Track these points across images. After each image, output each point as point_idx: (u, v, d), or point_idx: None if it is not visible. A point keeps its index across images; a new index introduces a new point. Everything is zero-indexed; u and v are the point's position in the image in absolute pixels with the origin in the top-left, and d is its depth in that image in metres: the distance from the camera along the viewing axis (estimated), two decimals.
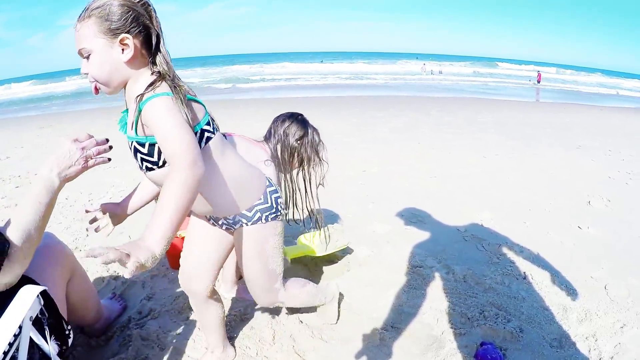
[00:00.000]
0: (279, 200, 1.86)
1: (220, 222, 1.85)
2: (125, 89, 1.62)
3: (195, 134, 1.55)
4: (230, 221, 1.82)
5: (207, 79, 29.29)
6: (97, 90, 1.59)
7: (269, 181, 1.85)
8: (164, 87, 1.49)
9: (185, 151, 1.37)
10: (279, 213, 1.85)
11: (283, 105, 13.65)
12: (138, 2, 1.54)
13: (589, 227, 3.85)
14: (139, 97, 1.48)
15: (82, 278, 2.18)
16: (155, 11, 1.60)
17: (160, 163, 1.54)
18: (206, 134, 1.62)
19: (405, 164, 6.07)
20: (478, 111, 12.01)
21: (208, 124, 1.63)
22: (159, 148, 1.51)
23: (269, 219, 1.81)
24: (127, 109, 1.66)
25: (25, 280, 1.63)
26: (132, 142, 1.57)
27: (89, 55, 1.52)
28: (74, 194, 4.87)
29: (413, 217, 4.02)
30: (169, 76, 1.55)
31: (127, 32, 1.50)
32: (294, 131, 2.45)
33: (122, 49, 1.51)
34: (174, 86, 1.51)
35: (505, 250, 3.33)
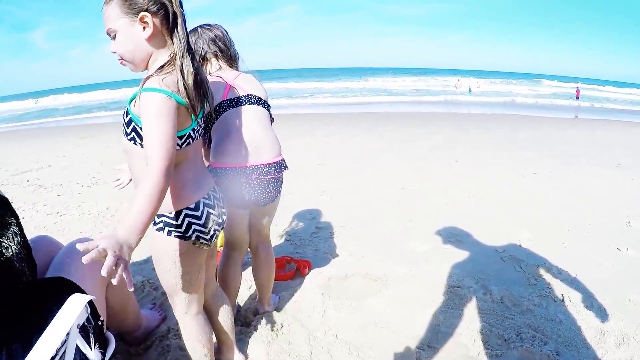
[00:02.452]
0: (196, 227, 1.75)
1: None
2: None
3: (180, 137, 1.63)
4: None
5: None
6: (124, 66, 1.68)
7: (197, 205, 1.75)
8: (169, 80, 1.55)
9: (161, 159, 1.45)
10: (188, 237, 1.74)
11: (319, 120, 13.82)
12: None
13: (629, 248, 3.79)
14: (144, 82, 1.55)
15: (122, 283, 2.25)
16: None
17: (128, 138, 1.64)
18: (188, 140, 1.68)
19: (444, 182, 6.05)
20: (516, 128, 11.87)
21: (183, 137, 1.66)
22: (134, 127, 1.61)
23: (172, 235, 1.73)
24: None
25: (67, 284, 1.72)
26: (126, 107, 1.66)
27: (115, 34, 1.61)
28: (114, 204, 5.07)
29: (451, 236, 4.03)
30: (179, 60, 1.60)
31: (146, 10, 1.57)
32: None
33: (143, 27, 1.59)
34: (182, 74, 1.58)
35: (543, 271, 3.31)
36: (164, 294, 3.02)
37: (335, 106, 20.63)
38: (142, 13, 1.56)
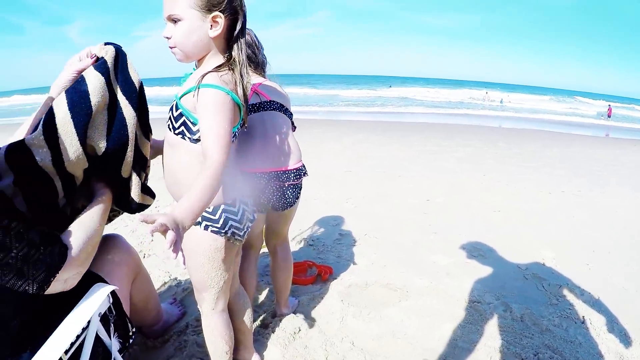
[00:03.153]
0: (232, 223, 1.78)
1: None
2: (197, 61, 1.73)
3: None
4: None
5: None
6: (175, 55, 1.67)
7: (234, 201, 1.80)
8: (227, 78, 1.60)
9: (220, 153, 1.49)
10: (224, 233, 1.77)
11: (347, 127, 13.84)
12: None
13: None
14: (203, 76, 1.58)
15: (146, 280, 2.28)
16: (244, 1, 1.69)
17: (176, 132, 1.67)
18: (234, 138, 1.71)
19: (470, 196, 6.01)
20: (545, 144, 11.72)
21: (234, 132, 1.70)
22: (184, 121, 1.64)
23: (209, 230, 1.75)
24: (192, 72, 1.77)
25: (95, 277, 1.74)
26: (175, 101, 1.69)
27: (178, 21, 1.60)
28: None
29: (475, 250, 4.00)
30: (238, 66, 1.65)
31: (221, 11, 1.59)
32: None
33: (212, 25, 1.60)
34: (241, 79, 1.63)
35: (565, 291, 3.27)
36: (184, 289, 3.09)
37: (364, 114, 20.64)
38: (217, 13, 1.58)
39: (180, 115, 1.65)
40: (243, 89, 1.64)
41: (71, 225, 1.52)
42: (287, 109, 2.44)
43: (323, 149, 9.00)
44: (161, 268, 3.45)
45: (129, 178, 1.79)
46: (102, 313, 1.67)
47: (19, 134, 1.69)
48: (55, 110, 1.51)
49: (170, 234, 1.27)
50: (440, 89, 48.09)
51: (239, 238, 1.82)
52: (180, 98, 1.67)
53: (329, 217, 4.83)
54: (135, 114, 1.68)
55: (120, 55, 1.69)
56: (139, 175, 1.83)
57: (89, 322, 1.53)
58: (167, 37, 1.65)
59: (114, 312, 1.76)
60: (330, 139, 10.58)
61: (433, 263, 3.72)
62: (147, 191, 1.93)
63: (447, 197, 5.86)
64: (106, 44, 1.69)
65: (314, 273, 3.39)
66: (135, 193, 1.83)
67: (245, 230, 1.84)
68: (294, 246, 3.99)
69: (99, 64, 1.62)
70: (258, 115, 2.30)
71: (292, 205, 2.43)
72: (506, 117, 22.51)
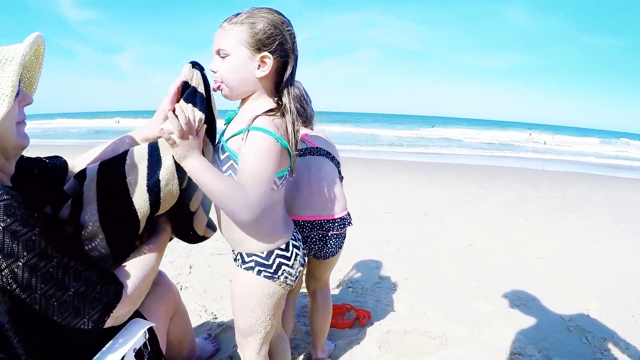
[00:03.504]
0: (285, 268, 1.74)
1: (232, 251, 1.84)
2: (242, 101, 1.71)
3: (279, 178, 1.65)
4: (234, 256, 1.82)
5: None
6: (219, 88, 1.65)
7: (287, 245, 1.76)
8: (277, 123, 1.56)
9: (256, 195, 1.47)
10: (276, 278, 1.73)
11: (390, 167, 13.83)
12: (288, 30, 1.61)
13: None
14: (254, 118, 1.55)
15: (184, 317, 2.29)
16: (297, 45, 1.66)
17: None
18: (284, 180, 1.69)
19: (512, 241, 5.92)
20: (590, 188, 11.42)
21: (282, 178, 1.67)
22: (231, 165, 1.61)
23: (262, 275, 1.72)
24: (236, 111, 1.75)
25: (134, 314, 1.72)
26: (220, 143, 1.67)
27: (226, 56, 1.59)
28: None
29: (517, 299, 3.93)
30: (289, 113, 1.61)
31: (271, 52, 1.57)
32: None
33: (259, 65, 1.58)
34: (292, 125, 1.59)
35: (610, 345, 3.17)
36: (220, 325, 3.14)
37: (406, 154, 20.60)
38: (266, 53, 1.57)
39: (228, 158, 1.62)
40: (294, 136, 1.61)
41: (129, 261, 1.55)
42: (334, 157, 2.43)
43: (364, 188, 9.03)
44: (197, 302, 3.51)
45: (195, 212, 1.80)
46: (138, 348, 1.67)
47: (88, 157, 1.78)
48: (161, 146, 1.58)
49: (174, 138, 1.44)
50: (483, 130, 47.68)
51: (290, 283, 1.79)
52: (226, 141, 1.65)
53: (369, 259, 4.84)
54: (212, 149, 1.69)
55: (207, 86, 1.67)
56: (205, 209, 1.85)
57: (123, 357, 1.54)
58: (213, 71, 1.65)
59: (149, 348, 1.76)
60: (372, 179, 10.61)
61: (474, 311, 3.67)
62: (209, 225, 1.94)
63: (489, 242, 5.79)
64: (193, 65, 1.66)
65: (352, 317, 3.39)
66: (199, 227, 1.85)
67: (297, 275, 1.81)
68: (332, 287, 3.99)
69: (188, 94, 1.61)
70: (303, 161, 2.30)
71: (334, 255, 2.39)
72: (549, 159, 22.09)
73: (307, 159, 2.33)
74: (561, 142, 38.08)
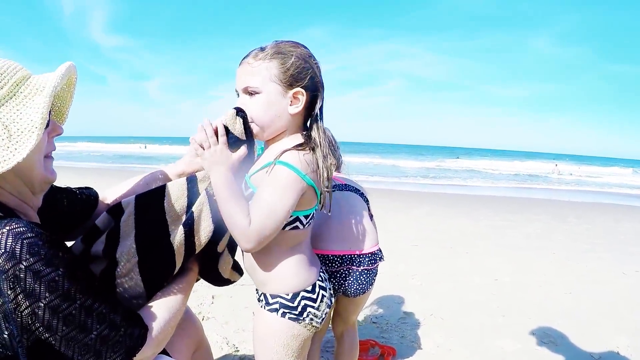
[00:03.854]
0: (311, 310, 1.65)
1: (256, 291, 1.79)
2: (266, 141, 1.65)
3: (306, 216, 1.60)
4: (257, 295, 1.76)
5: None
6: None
7: (314, 287, 1.68)
8: (307, 159, 1.49)
9: (263, 228, 1.42)
10: (301, 319, 1.64)
11: (413, 198, 13.73)
12: (315, 63, 1.56)
13: None
14: (281, 153, 1.49)
15: (206, 352, 2.20)
16: (322, 78, 1.60)
17: None
18: (297, 223, 1.59)
19: (539, 275, 5.79)
20: (618, 220, 11.17)
21: (308, 217, 1.61)
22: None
23: (286, 317, 1.63)
24: (262, 147, 1.72)
25: None
26: (244, 180, 1.62)
27: (255, 94, 1.52)
28: None
29: (545, 336, 3.83)
30: (320, 147, 1.53)
31: (303, 87, 1.51)
32: None
33: (292, 102, 1.53)
34: (324, 161, 1.51)
35: None
36: (242, 359, 3.11)
37: (431, 185, 20.49)
38: (299, 89, 1.52)
39: (252, 195, 1.55)
40: (327, 171, 1.53)
41: (156, 302, 1.50)
42: (362, 193, 2.39)
43: (388, 220, 8.95)
44: (219, 333, 3.50)
45: (222, 253, 1.75)
46: None
47: (120, 190, 1.77)
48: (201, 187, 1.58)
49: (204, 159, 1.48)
50: (508, 161, 47.30)
51: (316, 325, 1.69)
52: (250, 176, 1.60)
53: (394, 294, 4.77)
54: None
55: (249, 134, 1.62)
56: (231, 251, 1.81)
57: None
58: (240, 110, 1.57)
59: None
60: (396, 210, 10.54)
61: (500, 349, 3.58)
62: (236, 268, 1.91)
63: (515, 277, 5.67)
64: (238, 112, 1.58)
65: (377, 353, 3.34)
66: (224, 269, 1.81)
67: (323, 317, 1.71)
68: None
69: (231, 143, 1.56)
70: (335, 195, 2.22)
71: (364, 292, 2.28)
72: (576, 190, 21.75)
73: (336, 194, 2.27)
74: (588, 172, 37.54)
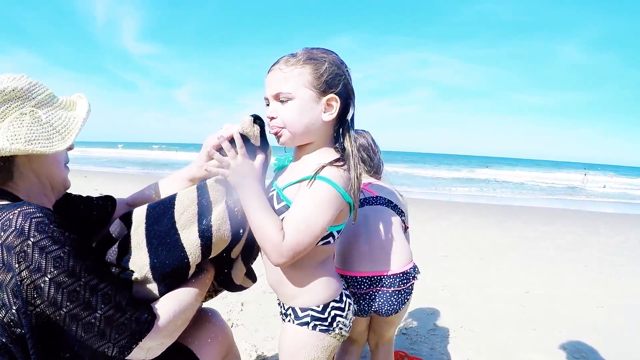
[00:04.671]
0: (340, 319, 1.63)
1: (280, 305, 1.77)
2: (297, 148, 1.62)
3: (338, 231, 1.57)
4: (284, 310, 1.72)
5: None
6: (277, 134, 1.55)
7: (341, 296, 1.66)
8: (346, 176, 1.46)
9: (293, 247, 1.39)
10: (331, 330, 1.61)
11: (443, 208, 13.57)
12: (346, 69, 1.53)
13: None
14: (321, 167, 1.45)
15: (236, 359, 2.19)
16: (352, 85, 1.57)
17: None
18: (329, 238, 1.56)
19: (570, 288, 5.65)
20: None
21: (340, 231, 1.58)
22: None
23: (317, 329, 1.60)
24: (289, 158, 1.68)
25: (185, 351, 1.69)
26: (274, 190, 1.58)
27: (287, 100, 1.47)
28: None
29: (576, 351, 3.73)
30: (351, 158, 1.50)
31: (337, 94, 1.47)
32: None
33: (325, 108, 1.49)
34: (355, 171, 1.48)
35: None
36: None
37: (460, 195, 20.26)
38: (333, 95, 1.48)
39: (284, 208, 1.50)
40: (356, 182, 1.49)
41: (166, 295, 1.50)
42: (396, 205, 2.29)
43: (418, 230, 8.81)
44: (248, 341, 3.50)
45: (236, 259, 1.74)
46: None
47: (137, 197, 1.82)
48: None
49: (227, 171, 1.46)
50: (538, 171, 46.49)
51: (344, 334, 1.67)
52: (283, 189, 1.55)
53: (424, 305, 4.71)
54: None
55: (263, 138, 1.62)
56: (245, 258, 1.78)
57: None
58: (271, 117, 1.53)
59: None
60: (425, 220, 10.41)
61: None
62: (249, 274, 1.89)
63: (546, 289, 5.55)
64: (255, 120, 1.59)
65: None
66: (237, 275, 1.79)
67: (350, 325, 1.70)
68: None
69: (249, 151, 1.56)
70: (360, 212, 2.15)
71: (397, 312, 2.17)
72: (608, 201, 21.22)
73: (365, 210, 2.20)
74: (619, 182, 36.57)
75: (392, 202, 2.28)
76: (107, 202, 1.80)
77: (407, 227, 2.36)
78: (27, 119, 1.30)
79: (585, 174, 40.13)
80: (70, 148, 1.49)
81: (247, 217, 1.49)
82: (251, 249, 1.77)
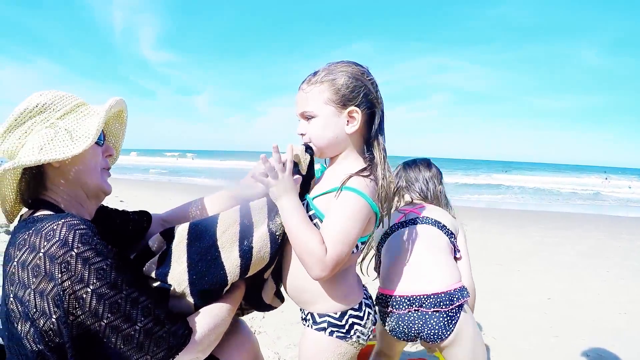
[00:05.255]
0: (358, 327, 1.63)
1: (301, 310, 1.76)
2: (330, 159, 1.66)
3: (363, 242, 1.58)
4: (304, 315, 1.73)
5: None
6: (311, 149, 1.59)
7: (360, 305, 1.66)
8: (372, 186, 1.49)
9: (337, 254, 1.41)
10: (349, 337, 1.62)
11: (461, 214, 13.39)
12: (369, 80, 1.55)
13: None
14: (348, 178, 1.48)
15: None
16: (380, 93, 1.58)
17: None
18: (364, 245, 1.60)
19: (593, 294, 5.58)
20: None
21: (364, 242, 1.60)
22: (316, 223, 1.53)
23: (334, 335, 1.60)
24: (324, 167, 1.71)
25: None
26: (305, 200, 1.60)
27: (311, 118, 1.54)
28: None
29: (599, 358, 3.69)
30: (380, 165, 1.53)
31: (357, 106, 1.50)
32: None
33: (348, 121, 1.52)
34: (383, 178, 1.51)
35: None
36: None
37: (479, 201, 20.09)
38: (353, 107, 1.51)
39: (313, 216, 1.55)
40: (386, 190, 1.52)
41: (201, 309, 1.51)
42: (444, 225, 2.19)
43: None
44: (271, 348, 3.52)
45: (267, 279, 1.75)
46: None
47: (175, 213, 1.83)
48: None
49: (268, 182, 1.47)
50: (557, 176, 45.90)
51: (362, 342, 1.67)
52: (313, 199, 1.59)
53: None
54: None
55: (311, 167, 1.65)
56: (275, 277, 1.79)
57: None
58: (301, 134, 1.60)
59: None
60: None
61: None
62: (278, 294, 1.89)
63: (568, 296, 5.49)
64: (306, 149, 1.62)
65: None
66: (268, 294, 1.80)
67: (369, 334, 1.69)
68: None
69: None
70: (405, 230, 2.13)
71: (440, 339, 1.95)
72: (628, 205, 20.87)
73: (409, 229, 2.13)
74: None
75: (440, 222, 2.20)
76: (142, 218, 1.81)
77: (459, 250, 2.23)
78: (48, 130, 1.35)
79: (606, 178, 39.51)
80: (109, 155, 1.56)
81: (288, 230, 1.51)
82: (282, 269, 1.79)
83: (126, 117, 1.65)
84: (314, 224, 1.52)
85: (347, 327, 1.63)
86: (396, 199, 2.26)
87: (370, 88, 1.54)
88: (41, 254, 1.19)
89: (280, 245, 1.60)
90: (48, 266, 1.18)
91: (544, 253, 8.03)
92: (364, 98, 1.52)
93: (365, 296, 1.73)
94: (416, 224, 2.16)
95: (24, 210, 1.46)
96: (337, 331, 1.62)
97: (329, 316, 1.63)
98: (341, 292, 1.63)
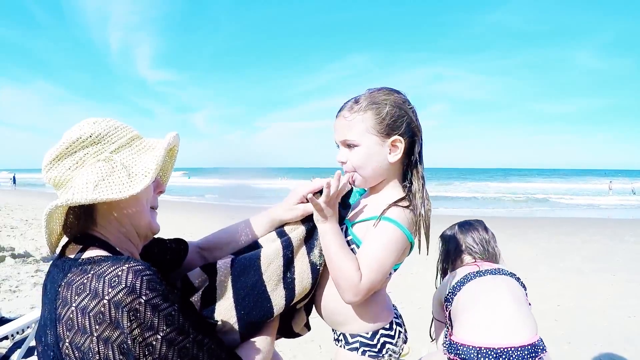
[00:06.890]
0: (389, 346, 1.60)
1: (333, 331, 1.72)
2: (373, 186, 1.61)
3: (395, 270, 1.55)
4: (336, 336, 1.70)
5: None
6: (353, 181, 1.55)
7: (391, 325, 1.63)
8: (410, 217, 1.47)
9: (371, 282, 1.40)
10: (381, 356, 1.58)
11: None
12: (410, 108, 1.52)
13: None
14: (387, 208, 1.46)
15: None
16: (419, 121, 1.55)
17: None
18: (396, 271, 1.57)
19: (601, 299, 5.56)
20: None
21: (397, 269, 1.57)
22: (352, 249, 1.51)
23: (366, 355, 1.57)
24: (363, 190, 1.68)
25: None
26: (345, 225, 1.59)
27: (354, 146, 1.49)
28: None
29: None
30: (418, 194, 1.50)
31: (400, 135, 1.47)
32: None
33: (390, 150, 1.48)
34: (422, 205, 1.48)
35: None
36: None
37: (482, 209, 20.05)
38: (396, 137, 1.47)
39: (350, 242, 1.54)
40: (425, 216, 1.50)
41: (248, 344, 1.51)
42: (519, 278, 2.14)
43: None
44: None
45: (299, 309, 1.74)
46: None
47: (213, 240, 1.77)
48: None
49: (323, 200, 1.44)
50: (559, 182, 45.81)
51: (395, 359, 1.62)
52: (352, 224, 1.58)
53: None
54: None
55: (347, 198, 1.65)
56: (307, 308, 1.78)
57: None
58: (342, 162, 1.55)
59: None
60: None
61: None
62: (306, 324, 1.86)
63: (577, 302, 5.47)
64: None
65: None
66: (298, 324, 1.78)
67: (400, 352, 1.65)
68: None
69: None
70: (482, 280, 2.07)
71: None
72: (632, 208, 20.79)
73: (488, 279, 2.07)
74: None
75: (515, 275, 2.15)
76: (180, 246, 1.77)
77: (530, 305, 2.14)
78: (103, 165, 1.28)
79: (610, 181, 39.36)
80: (160, 192, 1.49)
81: (326, 254, 1.51)
82: (313, 300, 1.78)
83: (177, 151, 1.58)
84: (351, 249, 1.52)
85: (379, 346, 1.60)
86: (458, 261, 2.33)
87: (412, 117, 1.52)
88: (105, 301, 1.15)
89: (319, 276, 1.60)
90: (114, 314, 1.15)
91: (549, 260, 8.01)
92: (407, 127, 1.50)
93: (395, 315, 1.73)
94: (492, 274, 2.11)
95: (65, 241, 1.41)
96: (369, 350, 1.59)
97: (361, 336, 1.60)
98: (372, 312, 1.61)
